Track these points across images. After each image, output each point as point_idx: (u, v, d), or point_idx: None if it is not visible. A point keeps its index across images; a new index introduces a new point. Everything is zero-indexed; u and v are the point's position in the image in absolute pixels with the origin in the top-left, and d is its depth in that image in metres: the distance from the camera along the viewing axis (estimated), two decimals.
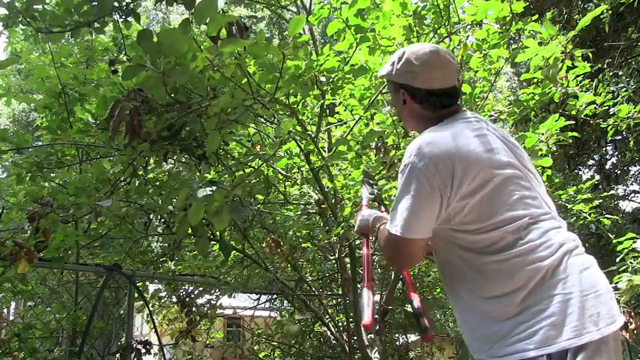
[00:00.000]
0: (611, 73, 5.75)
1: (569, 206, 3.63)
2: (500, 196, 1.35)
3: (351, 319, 3.71)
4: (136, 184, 2.62)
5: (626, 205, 11.06)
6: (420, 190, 1.34)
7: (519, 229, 1.33)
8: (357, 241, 3.41)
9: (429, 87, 1.50)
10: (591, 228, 6.23)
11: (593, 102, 3.54)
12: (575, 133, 3.60)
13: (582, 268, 1.31)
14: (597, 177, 9.62)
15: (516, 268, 1.29)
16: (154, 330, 3.81)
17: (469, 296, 1.38)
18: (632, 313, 3.48)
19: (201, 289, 3.91)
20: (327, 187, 3.36)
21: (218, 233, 2.65)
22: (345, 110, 3.57)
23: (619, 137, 8.52)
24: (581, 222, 3.82)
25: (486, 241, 1.34)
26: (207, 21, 1.93)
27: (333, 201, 3.37)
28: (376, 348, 3.57)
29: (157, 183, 2.79)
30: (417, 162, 1.35)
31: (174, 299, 3.96)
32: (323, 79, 2.73)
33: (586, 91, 3.58)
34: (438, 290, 5.23)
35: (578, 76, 3.32)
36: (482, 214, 1.34)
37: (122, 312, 3.85)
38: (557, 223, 1.39)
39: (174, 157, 2.89)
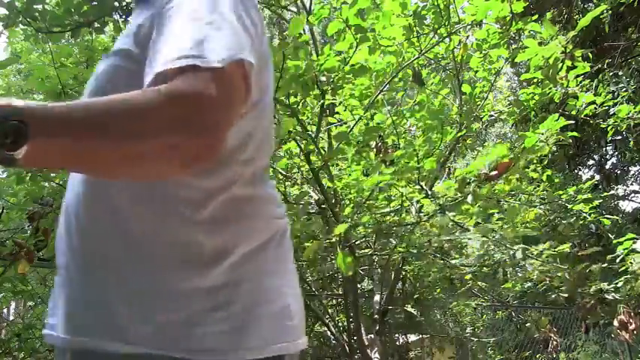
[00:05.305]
0: (611, 73, 5.75)
1: (569, 206, 3.63)
2: None
3: (351, 319, 3.71)
4: None
5: (626, 205, 11.07)
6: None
7: None
8: (358, 241, 3.41)
9: None
10: (591, 228, 6.24)
11: (593, 102, 3.54)
12: (575, 133, 3.60)
13: None
14: (597, 177, 9.63)
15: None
16: None
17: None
18: (632, 313, 3.48)
19: None
20: (327, 187, 3.36)
21: None
22: (345, 110, 3.57)
23: (619, 137, 8.53)
24: (581, 222, 3.82)
25: None
26: None
27: (333, 201, 3.37)
28: (376, 348, 3.57)
29: None
30: None
31: None
32: (323, 79, 2.73)
33: (586, 91, 3.58)
34: (438, 290, 5.23)
35: (578, 76, 3.32)
36: None
37: None
38: None
39: None
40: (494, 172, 2.80)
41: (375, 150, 3.26)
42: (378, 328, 3.85)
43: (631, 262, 3.34)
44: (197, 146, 0.64)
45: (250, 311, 0.77)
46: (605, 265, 3.04)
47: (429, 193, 2.93)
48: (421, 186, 2.97)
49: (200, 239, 0.77)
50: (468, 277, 3.39)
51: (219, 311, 0.75)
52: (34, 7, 2.18)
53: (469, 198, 2.69)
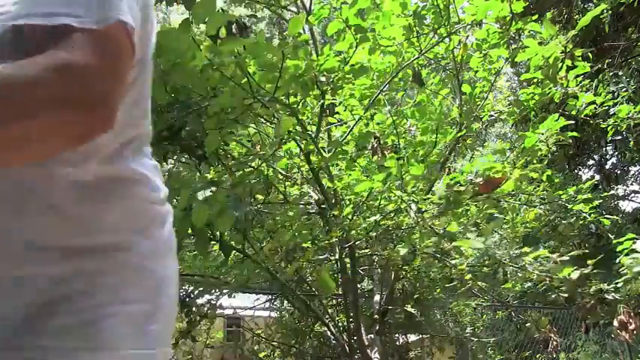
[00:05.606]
0: (611, 73, 5.75)
1: (569, 206, 3.63)
2: None
3: (351, 319, 3.71)
4: None
5: (626, 205, 11.08)
6: None
7: None
8: (357, 242, 3.41)
9: None
10: (591, 228, 6.24)
11: (593, 102, 3.54)
12: (575, 133, 3.60)
13: None
14: (597, 177, 9.63)
15: None
16: None
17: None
18: (632, 313, 3.48)
19: (201, 289, 3.91)
20: (327, 187, 3.36)
21: (218, 233, 2.65)
22: (345, 110, 3.57)
23: (619, 137, 8.53)
24: (581, 222, 3.82)
25: None
26: (207, 20, 1.93)
27: (333, 201, 3.37)
28: (376, 348, 3.57)
29: None
30: None
31: None
32: (323, 79, 2.73)
33: (586, 91, 3.58)
34: (438, 290, 5.23)
35: (578, 76, 3.32)
36: None
37: None
38: None
39: (174, 157, 2.89)
40: (484, 181, 2.79)
41: (371, 152, 3.26)
42: (378, 328, 3.85)
43: (631, 262, 3.34)
44: (89, 121, 0.59)
45: (105, 307, 0.66)
46: (594, 269, 3.03)
47: (416, 200, 2.93)
48: (407, 192, 2.97)
49: (47, 221, 0.66)
50: (467, 277, 3.38)
51: (67, 303, 0.64)
52: None
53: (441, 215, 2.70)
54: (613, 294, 3.36)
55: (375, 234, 3.20)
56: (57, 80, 0.56)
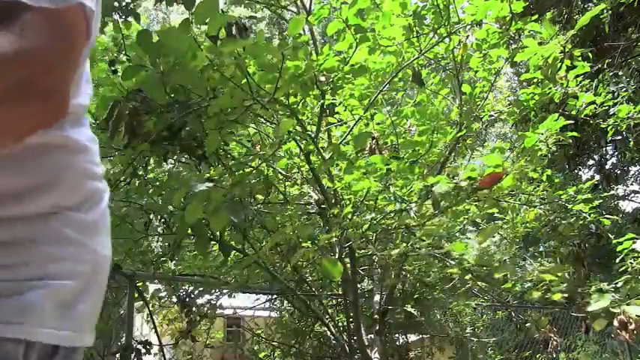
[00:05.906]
0: (611, 73, 5.75)
1: (569, 206, 3.63)
2: None
3: (351, 319, 3.71)
4: (136, 184, 2.63)
5: (626, 205, 11.09)
6: None
7: None
8: (358, 241, 3.41)
9: None
10: (591, 228, 6.23)
11: (593, 102, 3.54)
12: (575, 133, 3.60)
13: None
14: (597, 177, 9.63)
15: None
16: (154, 330, 3.80)
17: None
18: None
19: (201, 289, 3.91)
20: (327, 187, 3.36)
21: (218, 233, 2.65)
22: (345, 110, 3.57)
23: (619, 137, 8.52)
24: (581, 222, 3.82)
25: None
26: (207, 21, 1.93)
27: (333, 201, 3.36)
28: (376, 348, 3.57)
29: (157, 183, 2.79)
30: None
31: (174, 299, 3.96)
32: (323, 79, 2.73)
33: (586, 91, 3.58)
34: (438, 291, 5.23)
35: (578, 76, 3.33)
36: None
37: (122, 312, 3.85)
38: None
39: (174, 157, 2.89)
40: (483, 179, 2.78)
41: (369, 152, 3.26)
42: (378, 328, 3.85)
43: (631, 262, 3.34)
44: (44, 111, 0.56)
45: (35, 279, 0.62)
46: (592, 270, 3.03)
47: (410, 206, 2.92)
48: (401, 198, 2.97)
49: None
50: (467, 276, 3.38)
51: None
52: None
53: (441, 214, 2.69)
54: (613, 294, 3.35)
55: (374, 234, 3.20)
56: (7, 70, 0.52)
